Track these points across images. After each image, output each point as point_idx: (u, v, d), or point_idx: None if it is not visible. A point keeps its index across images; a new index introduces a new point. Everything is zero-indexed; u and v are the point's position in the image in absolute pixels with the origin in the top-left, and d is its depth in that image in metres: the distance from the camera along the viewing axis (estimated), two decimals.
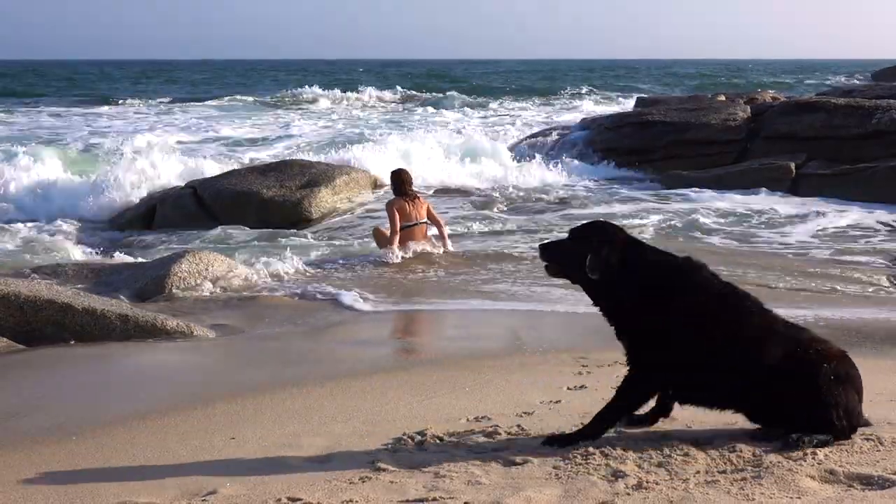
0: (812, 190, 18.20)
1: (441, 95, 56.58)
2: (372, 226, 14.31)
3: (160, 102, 51.80)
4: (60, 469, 4.99)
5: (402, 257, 12.43)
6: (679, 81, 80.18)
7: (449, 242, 13.03)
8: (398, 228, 12.77)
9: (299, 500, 4.43)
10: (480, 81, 79.09)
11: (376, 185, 18.74)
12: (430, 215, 13.20)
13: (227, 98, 54.37)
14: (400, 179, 13.23)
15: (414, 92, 60.60)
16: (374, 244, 13.29)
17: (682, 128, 21.64)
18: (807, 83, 71.60)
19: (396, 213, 12.82)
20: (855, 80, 67.27)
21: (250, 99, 54.34)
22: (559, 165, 21.36)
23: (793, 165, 19.03)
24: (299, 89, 59.56)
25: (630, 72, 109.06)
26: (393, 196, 13.22)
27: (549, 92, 63.01)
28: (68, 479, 4.81)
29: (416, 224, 12.97)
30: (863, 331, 8.56)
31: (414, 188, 13.49)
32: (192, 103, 50.37)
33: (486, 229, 15.21)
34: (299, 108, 47.33)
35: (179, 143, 27.69)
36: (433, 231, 13.25)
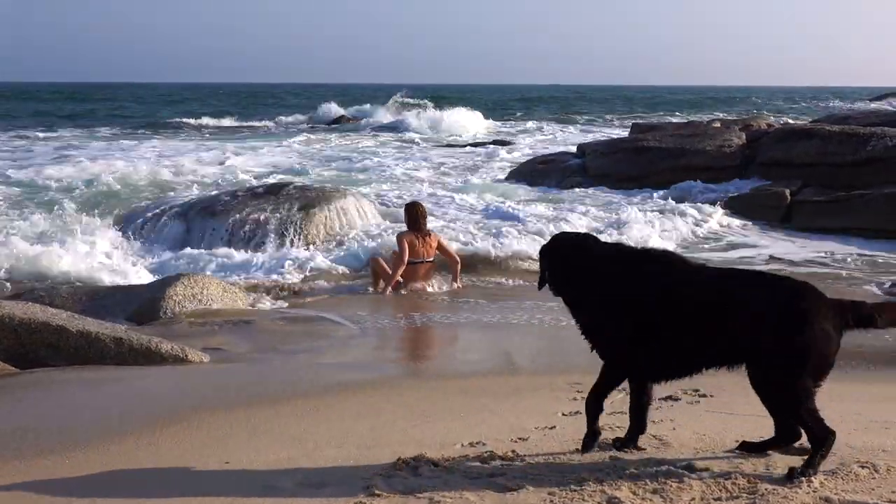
0: (807, 216, 18.23)
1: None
2: (371, 252, 14.18)
3: None
4: (53, 491, 4.97)
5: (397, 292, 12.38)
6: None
7: (460, 279, 12.88)
8: (405, 261, 12.55)
9: None
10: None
11: (373, 210, 18.67)
12: (442, 250, 12.94)
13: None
14: (415, 213, 12.98)
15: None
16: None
17: (677, 154, 21.71)
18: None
19: (406, 247, 12.60)
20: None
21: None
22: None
23: (788, 192, 19.06)
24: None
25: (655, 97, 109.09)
26: (405, 229, 12.96)
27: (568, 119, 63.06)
28: (64, 500, 4.79)
29: (422, 262, 12.72)
30: (857, 352, 8.56)
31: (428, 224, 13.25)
32: None
33: None
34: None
35: None
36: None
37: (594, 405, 5.43)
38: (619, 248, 5.61)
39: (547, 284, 5.57)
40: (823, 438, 4.93)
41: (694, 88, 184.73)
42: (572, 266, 5.40)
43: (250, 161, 29.61)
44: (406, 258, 12.55)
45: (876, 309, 5.06)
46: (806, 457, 4.97)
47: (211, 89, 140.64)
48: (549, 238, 5.88)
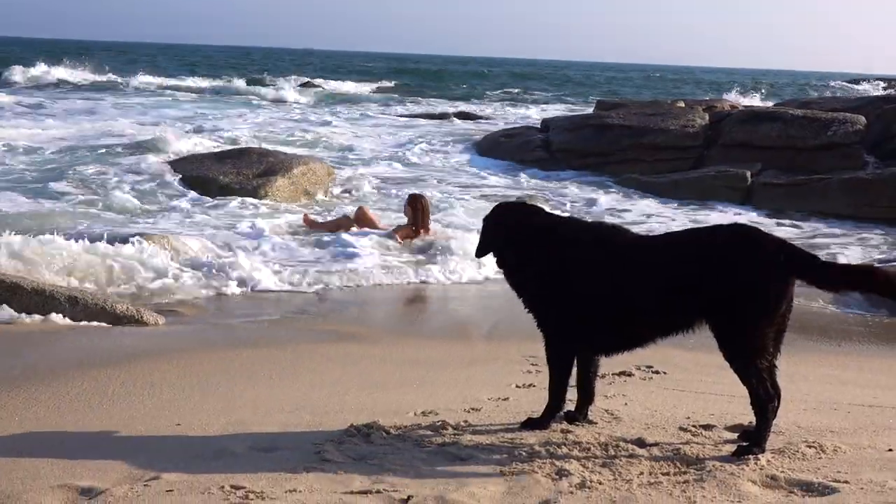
0: (766, 199, 18.37)
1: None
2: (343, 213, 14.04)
3: None
4: (2, 449, 4.93)
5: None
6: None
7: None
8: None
9: (242, 488, 4.40)
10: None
11: (333, 178, 18.55)
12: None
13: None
14: (421, 207, 12.48)
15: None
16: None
17: (640, 132, 21.75)
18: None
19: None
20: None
21: None
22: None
23: (748, 174, 19.17)
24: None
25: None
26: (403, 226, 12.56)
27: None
28: (10, 459, 4.76)
29: None
30: (806, 333, 8.65)
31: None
32: None
33: None
34: None
35: None
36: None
37: (563, 386, 5.44)
38: (569, 222, 5.60)
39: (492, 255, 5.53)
40: (764, 403, 4.93)
41: (648, 67, 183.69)
42: (523, 238, 5.33)
43: None
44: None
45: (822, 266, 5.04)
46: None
47: None
48: (493, 208, 5.71)
